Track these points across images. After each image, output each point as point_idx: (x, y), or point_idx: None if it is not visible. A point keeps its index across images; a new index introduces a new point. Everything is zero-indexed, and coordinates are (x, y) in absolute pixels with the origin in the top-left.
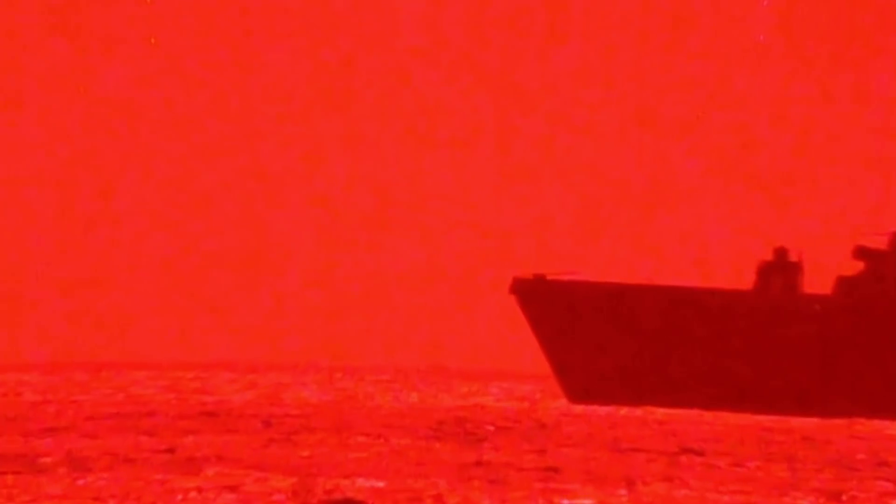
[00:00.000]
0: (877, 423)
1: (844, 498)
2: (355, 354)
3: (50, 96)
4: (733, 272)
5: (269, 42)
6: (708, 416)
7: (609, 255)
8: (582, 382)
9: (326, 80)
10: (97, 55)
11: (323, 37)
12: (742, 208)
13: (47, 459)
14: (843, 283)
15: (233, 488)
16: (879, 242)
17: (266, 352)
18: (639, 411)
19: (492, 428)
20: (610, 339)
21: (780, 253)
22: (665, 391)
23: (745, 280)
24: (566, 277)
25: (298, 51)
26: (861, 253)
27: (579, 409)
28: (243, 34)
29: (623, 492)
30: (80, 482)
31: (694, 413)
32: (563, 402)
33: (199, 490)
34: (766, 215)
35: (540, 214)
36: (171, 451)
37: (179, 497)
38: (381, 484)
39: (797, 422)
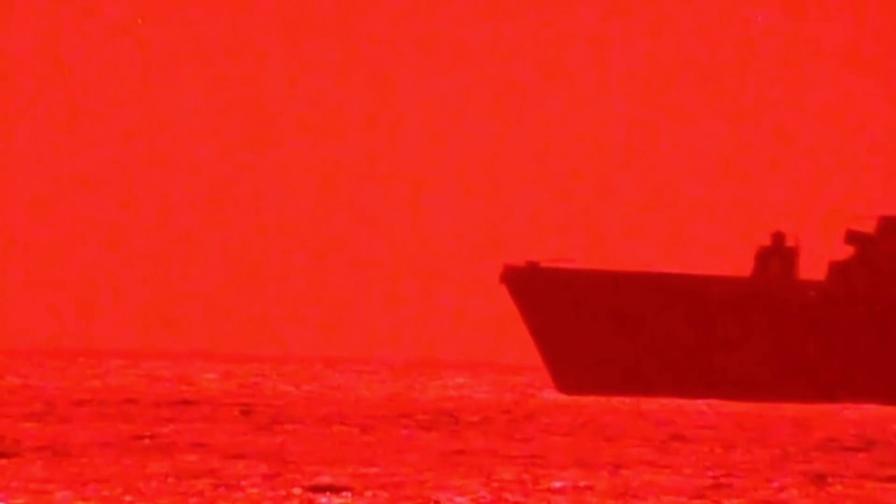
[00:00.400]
0: (867, 407)
1: (830, 479)
2: (343, 346)
3: (36, 80)
4: (733, 257)
5: (261, 29)
6: (701, 404)
7: (605, 243)
8: (574, 372)
9: (320, 72)
10: (84, 37)
11: (317, 28)
12: (739, 193)
13: (28, 444)
14: (836, 268)
15: (211, 473)
16: (868, 226)
17: (247, 342)
18: (631, 400)
19: (477, 418)
20: (604, 328)
21: (778, 238)
22: (658, 380)
23: (744, 265)
24: (560, 265)
25: (292, 41)
26: (852, 237)
27: (569, 398)
28: (234, 16)
29: (605, 475)
30: (60, 467)
31: (687, 402)
32: (553, 392)
33: (177, 476)
34: (763, 200)
35: (532, 202)
36: (148, 437)
37: (157, 482)
38: (363, 471)
39: (790, 408)
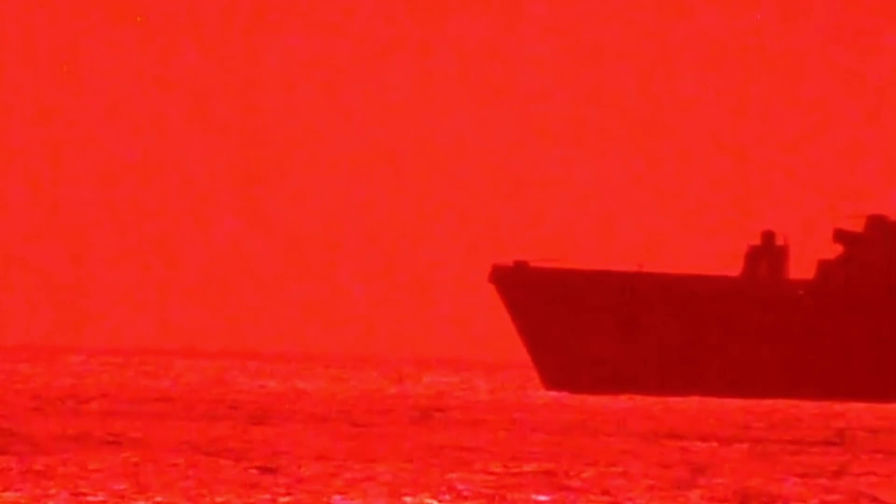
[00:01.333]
0: (856, 405)
1: (812, 474)
2: (331, 343)
3: (35, 78)
4: (722, 256)
5: (260, 27)
6: (690, 402)
7: (594, 242)
8: (561, 370)
9: (316, 72)
10: (82, 33)
11: (313, 28)
12: (729, 192)
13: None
14: (824, 267)
15: (194, 472)
16: (856, 225)
17: (234, 340)
18: (619, 398)
19: (465, 415)
20: (592, 327)
21: (768, 237)
22: (647, 378)
23: (733, 264)
24: (549, 265)
25: (289, 39)
26: (840, 236)
27: (557, 396)
28: (233, 14)
29: (586, 471)
30: (33, 463)
31: (676, 399)
32: (540, 389)
33: (156, 472)
34: (752, 199)
35: (520, 201)
36: (123, 434)
37: (128, 482)
38: (349, 466)
39: (779, 405)
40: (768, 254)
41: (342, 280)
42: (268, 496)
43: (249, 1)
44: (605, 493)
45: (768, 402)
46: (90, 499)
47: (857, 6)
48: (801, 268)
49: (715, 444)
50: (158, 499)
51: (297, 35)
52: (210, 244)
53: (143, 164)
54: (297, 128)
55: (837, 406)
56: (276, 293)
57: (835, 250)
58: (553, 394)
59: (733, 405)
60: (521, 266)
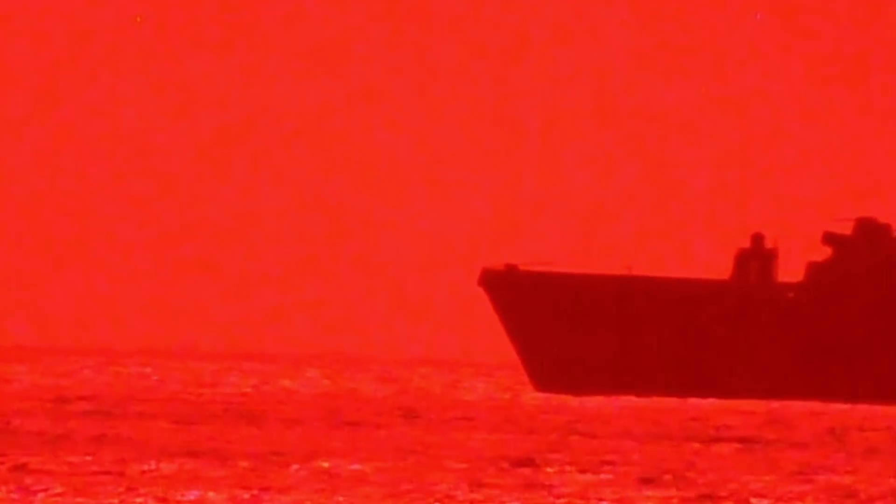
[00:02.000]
0: (843, 406)
1: (791, 469)
2: (322, 345)
3: (35, 79)
4: (712, 260)
5: (259, 28)
6: (680, 402)
7: (583, 246)
8: (550, 372)
9: (312, 75)
10: (82, 33)
11: (310, 29)
12: (718, 196)
13: None
14: (813, 269)
15: (182, 471)
16: (845, 228)
17: (226, 341)
18: (610, 400)
19: (452, 414)
20: (580, 329)
21: (757, 240)
22: (635, 379)
23: (723, 267)
24: (538, 268)
25: (287, 41)
26: (829, 239)
27: (547, 397)
28: (233, 14)
29: (575, 470)
30: (21, 461)
31: (665, 400)
32: (530, 390)
33: (142, 474)
34: (742, 202)
35: (510, 205)
36: (111, 433)
37: (116, 482)
38: (339, 466)
39: (767, 405)
40: (758, 257)
41: (333, 282)
42: (256, 495)
43: (249, 1)
44: (594, 491)
45: (758, 403)
46: (78, 497)
47: (854, 8)
48: (790, 270)
49: (705, 443)
50: (147, 497)
51: (295, 35)
52: (202, 246)
53: (140, 165)
54: (294, 130)
55: (827, 406)
56: (267, 295)
57: (824, 253)
58: (542, 395)
59: (723, 406)
60: (510, 269)
